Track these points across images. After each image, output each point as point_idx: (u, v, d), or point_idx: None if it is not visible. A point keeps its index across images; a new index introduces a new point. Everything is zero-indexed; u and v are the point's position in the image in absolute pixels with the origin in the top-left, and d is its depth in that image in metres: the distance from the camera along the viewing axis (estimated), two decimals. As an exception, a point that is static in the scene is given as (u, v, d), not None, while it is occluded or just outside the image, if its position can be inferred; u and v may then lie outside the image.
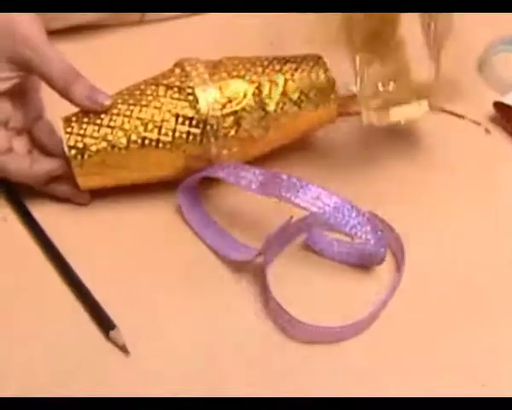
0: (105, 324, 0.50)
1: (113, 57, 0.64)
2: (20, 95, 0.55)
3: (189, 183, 0.54)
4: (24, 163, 0.54)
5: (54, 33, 0.56)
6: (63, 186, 0.56)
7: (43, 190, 0.56)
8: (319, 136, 0.61)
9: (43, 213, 0.55)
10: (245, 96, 0.54)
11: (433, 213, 0.57)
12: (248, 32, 0.65)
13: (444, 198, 0.58)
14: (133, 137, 0.53)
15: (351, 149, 0.60)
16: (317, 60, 0.56)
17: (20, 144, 0.56)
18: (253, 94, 0.54)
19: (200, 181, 0.55)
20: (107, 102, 0.53)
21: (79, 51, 0.57)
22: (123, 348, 0.49)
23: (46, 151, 0.56)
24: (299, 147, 0.59)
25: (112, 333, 0.49)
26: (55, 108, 0.55)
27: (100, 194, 0.56)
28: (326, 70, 0.55)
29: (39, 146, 0.56)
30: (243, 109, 0.54)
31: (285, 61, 0.55)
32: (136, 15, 0.67)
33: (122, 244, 0.55)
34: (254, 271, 0.52)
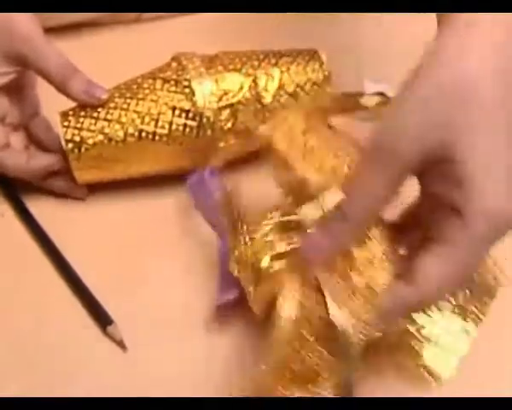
0: (102, 319, 0.50)
1: (110, 55, 0.64)
2: (16, 91, 0.55)
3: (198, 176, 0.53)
4: (21, 159, 0.54)
5: (50, 31, 0.56)
6: (60, 181, 0.56)
7: (40, 185, 0.56)
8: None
9: (40, 208, 0.55)
10: (241, 88, 0.54)
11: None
12: (245, 30, 0.65)
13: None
14: (130, 130, 0.53)
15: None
16: (313, 54, 0.56)
17: (17, 140, 0.56)
18: (250, 87, 0.54)
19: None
20: (104, 97, 0.53)
21: (76, 49, 0.57)
22: (120, 344, 0.49)
23: (43, 147, 0.56)
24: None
25: (109, 328, 0.49)
26: (51, 104, 0.55)
27: (97, 189, 0.56)
28: (321, 64, 0.56)
29: (36, 142, 0.57)
30: (239, 102, 0.54)
31: (281, 55, 0.56)
32: (132, 13, 0.68)
33: (120, 239, 0.54)
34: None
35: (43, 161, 0.54)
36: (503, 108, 0.36)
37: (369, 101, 0.55)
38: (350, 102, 0.57)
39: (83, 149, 0.53)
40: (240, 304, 0.50)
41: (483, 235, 0.37)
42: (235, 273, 0.45)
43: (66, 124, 0.53)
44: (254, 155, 0.57)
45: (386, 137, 0.37)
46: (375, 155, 0.38)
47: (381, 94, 0.58)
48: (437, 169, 0.37)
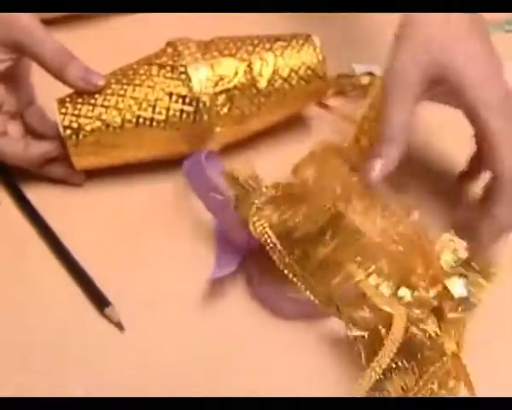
0: (100, 301, 0.50)
1: (106, 45, 0.64)
2: (12, 79, 0.55)
3: (195, 159, 0.54)
4: (18, 146, 0.54)
5: (46, 23, 0.56)
6: (58, 168, 0.56)
7: (38, 172, 0.56)
8: (311, 114, 0.62)
9: (37, 194, 0.56)
10: (236, 73, 0.54)
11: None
12: (241, 20, 0.65)
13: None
14: (127, 117, 0.53)
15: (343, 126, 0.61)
16: (307, 38, 0.57)
17: (15, 128, 0.56)
18: (245, 72, 0.55)
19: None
20: (101, 83, 0.53)
21: (73, 40, 0.56)
22: (118, 325, 0.49)
23: (37, 136, 0.56)
24: (291, 125, 0.61)
25: (107, 310, 0.50)
26: (47, 91, 0.55)
27: (95, 174, 0.56)
28: (315, 48, 0.56)
29: (31, 131, 0.56)
30: (235, 87, 0.54)
31: (275, 39, 0.56)
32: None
33: (117, 224, 0.55)
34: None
35: (40, 148, 0.54)
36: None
37: (362, 80, 0.58)
38: (344, 84, 0.59)
39: (81, 136, 0.53)
40: (236, 281, 0.52)
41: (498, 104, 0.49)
42: (257, 234, 0.48)
43: (63, 111, 0.53)
44: (250, 140, 0.58)
45: (398, 71, 0.51)
46: (396, 82, 0.51)
47: (371, 73, 0.60)
48: (441, 88, 0.51)
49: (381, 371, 0.44)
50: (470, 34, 0.51)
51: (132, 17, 0.68)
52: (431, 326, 0.46)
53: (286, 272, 0.48)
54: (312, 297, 0.48)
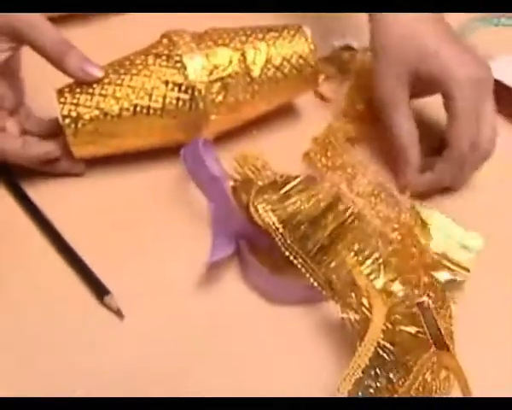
0: (99, 290, 0.51)
1: (105, 44, 0.63)
2: (8, 75, 0.55)
3: (193, 145, 0.54)
4: (17, 144, 0.55)
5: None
6: (58, 164, 0.56)
7: (39, 169, 0.56)
8: (301, 102, 0.64)
9: (35, 184, 0.56)
10: (230, 62, 0.56)
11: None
12: (236, 20, 0.66)
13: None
14: (125, 105, 0.54)
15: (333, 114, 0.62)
16: (298, 29, 0.58)
17: (13, 125, 0.56)
18: (239, 60, 0.56)
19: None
20: (100, 75, 0.54)
21: (71, 38, 0.56)
22: (117, 313, 0.50)
23: (27, 133, 0.56)
24: (282, 113, 0.62)
25: (106, 298, 0.50)
26: (41, 83, 0.55)
27: (93, 164, 0.57)
28: (306, 38, 0.58)
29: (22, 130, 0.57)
30: (229, 76, 0.56)
31: (267, 30, 0.58)
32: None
33: (115, 212, 0.56)
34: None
35: (39, 148, 0.55)
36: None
37: (343, 55, 0.65)
38: (332, 61, 0.61)
39: (79, 125, 0.54)
40: (232, 268, 0.53)
41: (469, 96, 0.54)
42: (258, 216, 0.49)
43: (62, 100, 0.54)
44: (243, 129, 0.59)
45: (384, 85, 0.57)
46: (387, 97, 0.57)
47: (349, 47, 0.66)
48: (423, 84, 0.56)
49: (360, 372, 0.44)
50: (437, 33, 0.56)
51: (131, 16, 0.69)
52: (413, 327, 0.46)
53: (287, 253, 0.48)
54: (312, 280, 0.48)
